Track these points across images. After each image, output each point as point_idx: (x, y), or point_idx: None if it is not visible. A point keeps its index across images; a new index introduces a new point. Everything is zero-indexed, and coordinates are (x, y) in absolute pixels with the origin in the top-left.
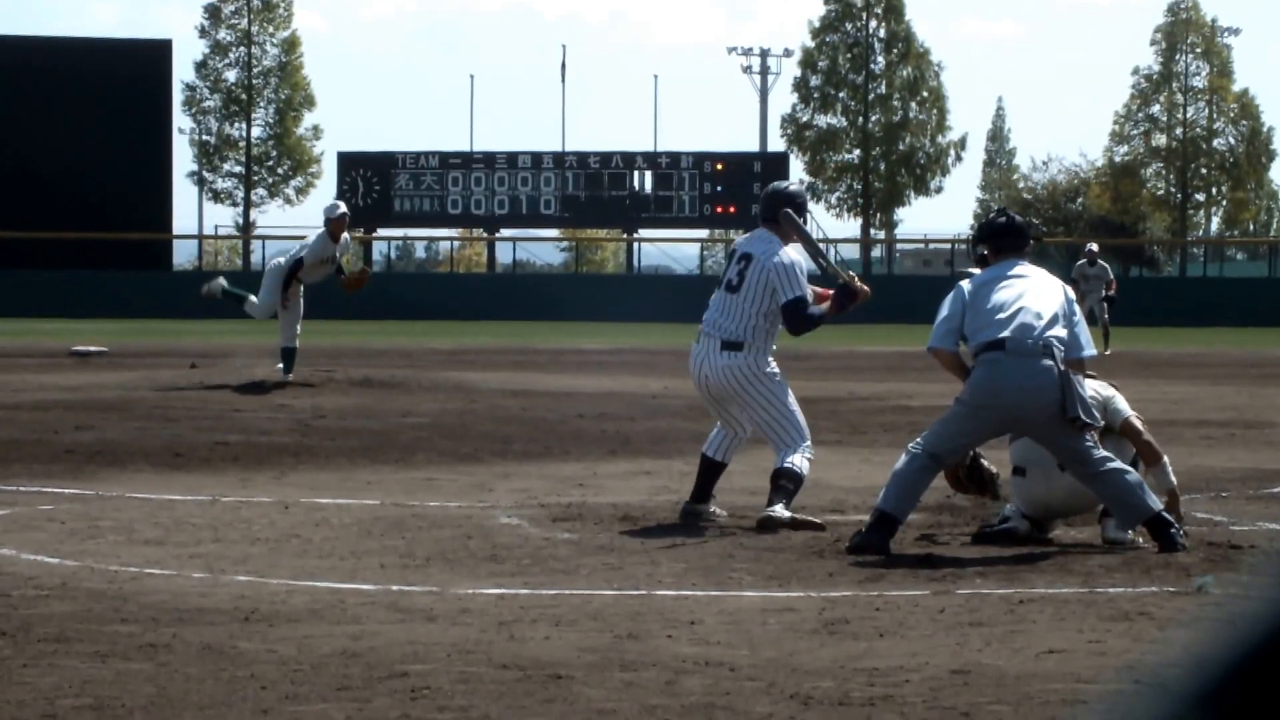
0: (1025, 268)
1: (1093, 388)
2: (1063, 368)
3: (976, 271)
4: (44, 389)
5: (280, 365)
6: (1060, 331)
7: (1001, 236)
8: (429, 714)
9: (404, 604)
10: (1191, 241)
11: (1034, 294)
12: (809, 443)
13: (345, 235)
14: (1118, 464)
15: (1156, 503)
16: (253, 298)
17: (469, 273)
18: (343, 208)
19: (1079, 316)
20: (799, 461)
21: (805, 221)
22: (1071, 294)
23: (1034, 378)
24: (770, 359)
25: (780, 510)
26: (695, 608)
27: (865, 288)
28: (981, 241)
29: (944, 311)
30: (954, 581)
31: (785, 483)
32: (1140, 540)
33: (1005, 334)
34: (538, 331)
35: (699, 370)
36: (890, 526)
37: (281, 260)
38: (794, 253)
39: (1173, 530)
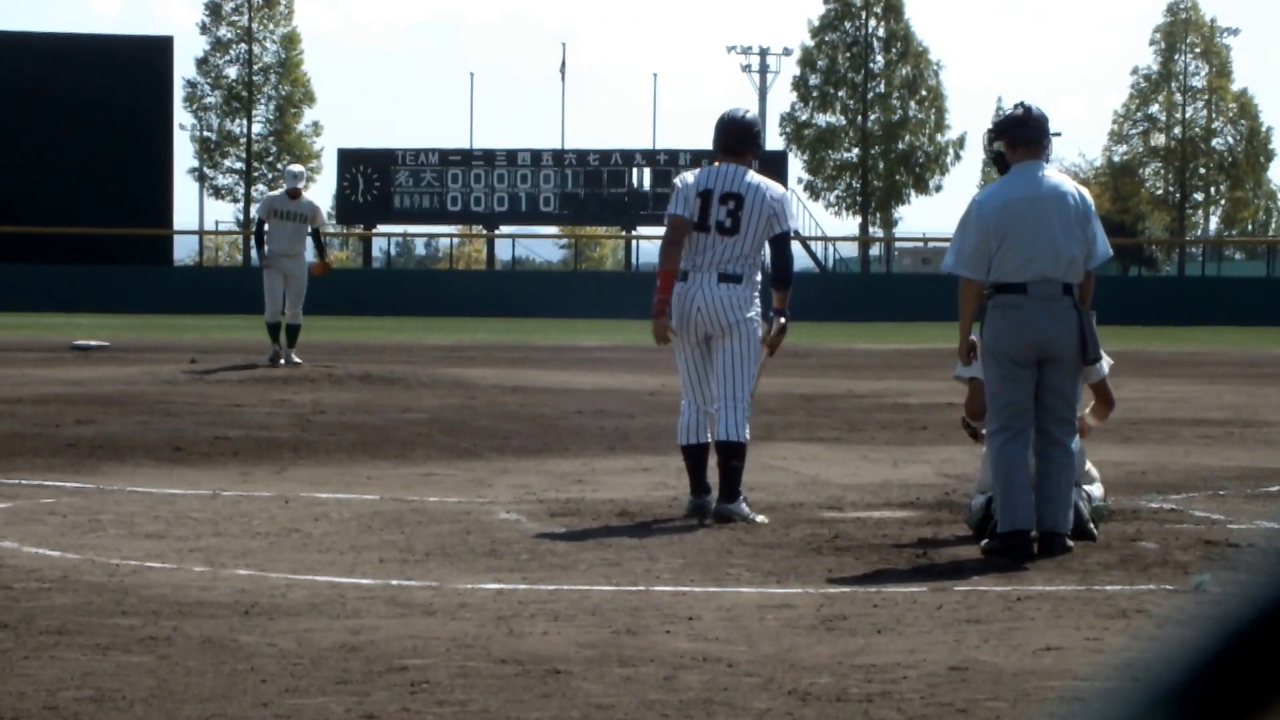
0: (1047, 181)
1: None
2: (1080, 307)
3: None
4: (45, 383)
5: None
6: (1080, 255)
7: (1019, 127)
8: (428, 708)
9: (403, 598)
10: (1190, 241)
11: (1059, 224)
12: (754, 392)
13: (309, 198)
14: (1075, 453)
15: (1069, 524)
16: (271, 318)
17: (468, 269)
18: (299, 186)
19: (1094, 217)
20: (740, 426)
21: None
22: (1089, 196)
23: (1054, 323)
24: (757, 300)
25: (741, 507)
26: (693, 603)
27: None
28: (998, 137)
29: (966, 237)
30: (952, 578)
31: (734, 463)
32: (1095, 533)
33: (1028, 278)
34: (536, 328)
35: (690, 302)
36: (1022, 538)
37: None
38: (778, 184)
39: (1063, 543)
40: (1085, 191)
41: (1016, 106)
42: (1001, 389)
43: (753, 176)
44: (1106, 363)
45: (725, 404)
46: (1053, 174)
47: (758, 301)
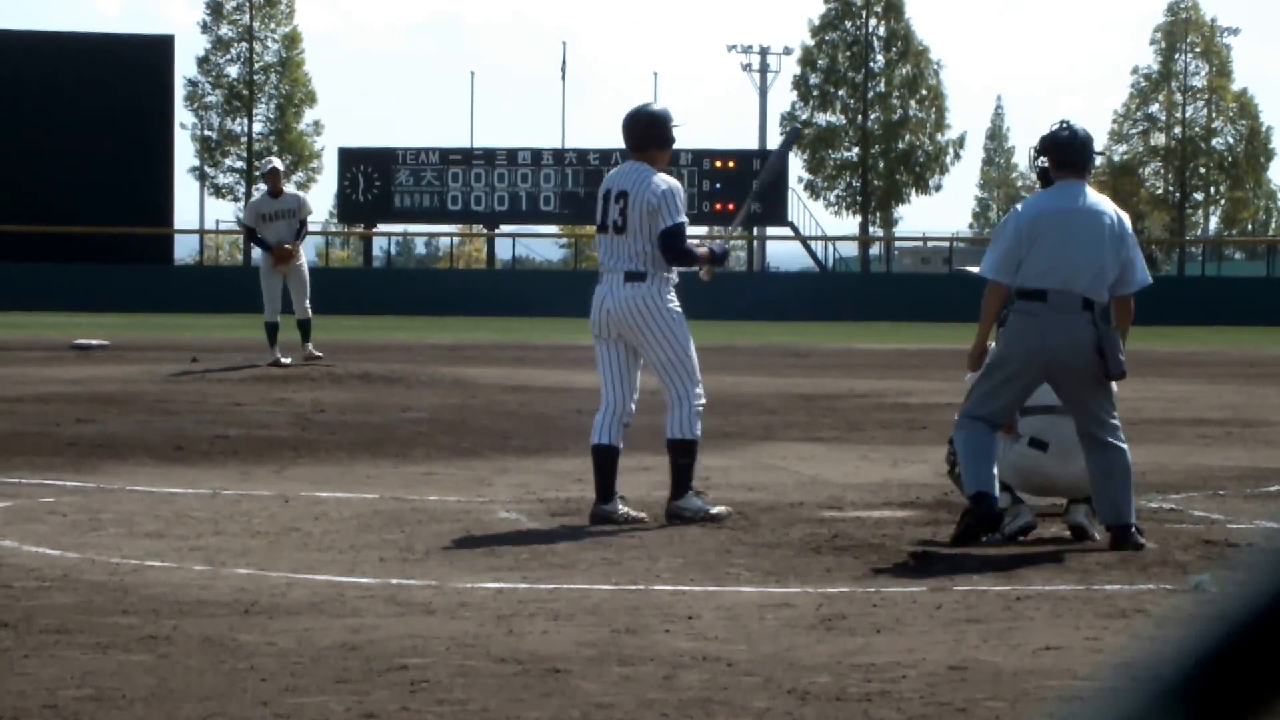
0: (1085, 199)
1: None
2: (1100, 324)
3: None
4: (46, 382)
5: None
6: (1109, 276)
7: (1063, 150)
8: (428, 707)
9: (403, 597)
10: (1190, 241)
11: (1087, 239)
12: (700, 388)
13: (292, 191)
14: (1127, 451)
15: (1133, 514)
16: (270, 319)
17: (468, 269)
18: (273, 163)
19: (1133, 243)
20: (689, 424)
21: (675, 138)
22: (1127, 221)
23: (1070, 334)
24: (672, 292)
25: (693, 501)
26: (693, 603)
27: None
28: (1043, 154)
29: (1002, 243)
30: (951, 578)
31: (684, 461)
32: (1097, 536)
33: (1050, 286)
34: (536, 327)
35: (600, 306)
36: (987, 502)
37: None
38: (668, 178)
39: (1133, 537)
40: (1125, 216)
41: (1063, 127)
42: (999, 389)
43: (645, 173)
44: None
45: (672, 403)
46: (1094, 195)
47: (673, 295)
